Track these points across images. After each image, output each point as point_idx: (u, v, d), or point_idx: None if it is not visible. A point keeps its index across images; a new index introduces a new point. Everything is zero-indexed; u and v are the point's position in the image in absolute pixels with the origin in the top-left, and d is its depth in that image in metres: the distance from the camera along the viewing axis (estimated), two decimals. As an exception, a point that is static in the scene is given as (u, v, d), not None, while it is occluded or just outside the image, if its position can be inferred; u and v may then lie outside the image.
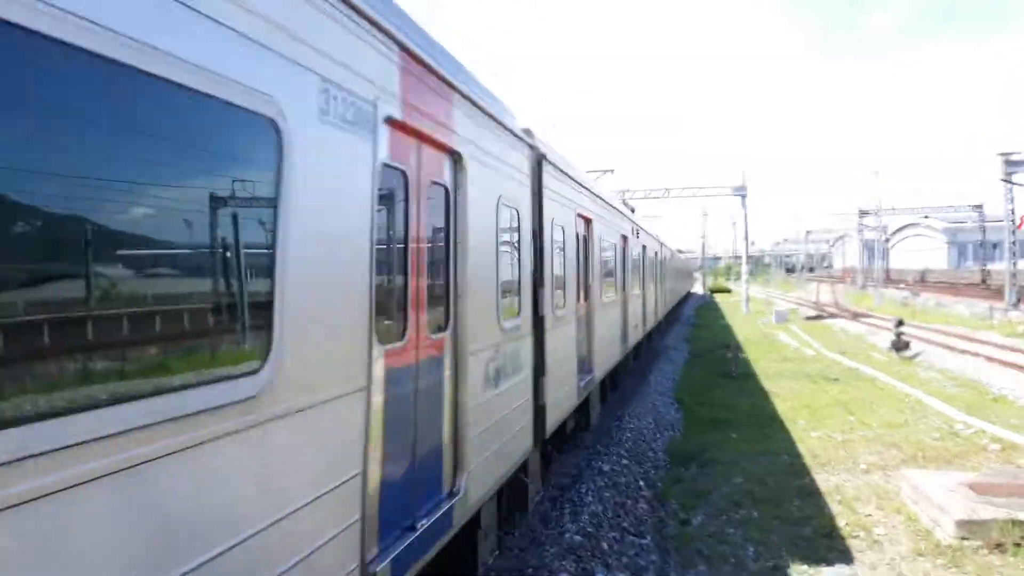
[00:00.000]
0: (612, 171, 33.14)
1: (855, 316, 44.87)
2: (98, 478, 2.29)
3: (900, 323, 26.90)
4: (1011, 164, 37.88)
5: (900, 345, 25.69)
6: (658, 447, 12.51)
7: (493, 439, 6.58)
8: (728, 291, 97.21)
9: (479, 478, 6.14)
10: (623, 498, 9.58)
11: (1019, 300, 39.41)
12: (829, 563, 7.66)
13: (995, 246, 65.73)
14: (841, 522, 8.74)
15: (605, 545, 8.04)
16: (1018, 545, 7.59)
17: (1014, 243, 40.92)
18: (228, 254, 3.14)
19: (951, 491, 8.67)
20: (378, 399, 4.32)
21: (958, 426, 13.56)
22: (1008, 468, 10.35)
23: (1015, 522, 7.78)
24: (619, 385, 18.05)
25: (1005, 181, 38.94)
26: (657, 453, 12.11)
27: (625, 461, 11.23)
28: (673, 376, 21.29)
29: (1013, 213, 40.51)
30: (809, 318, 46.02)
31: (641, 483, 10.35)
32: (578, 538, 8.05)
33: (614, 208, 16.23)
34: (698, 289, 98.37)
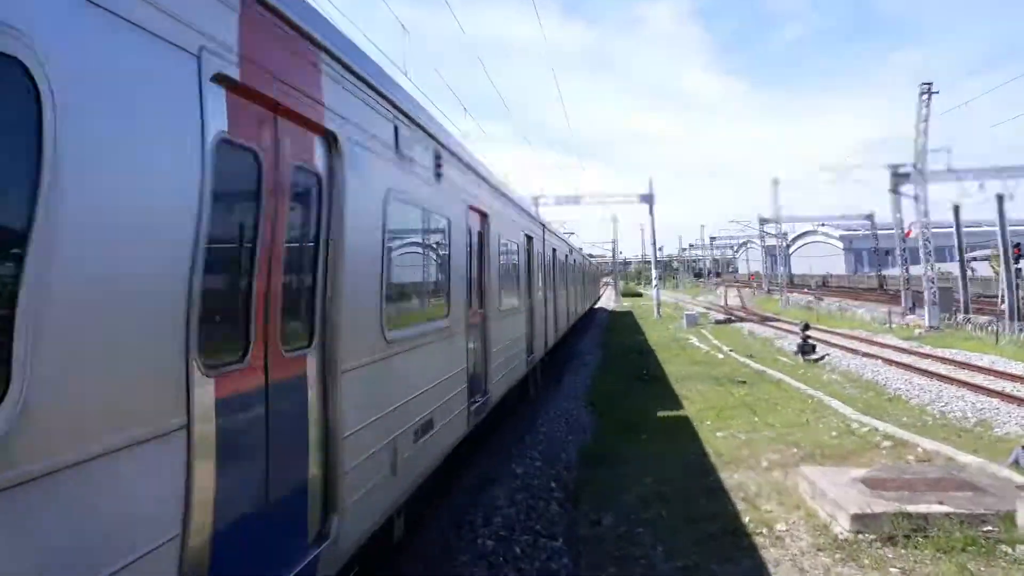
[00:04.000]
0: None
1: (763, 320, 46.33)
2: None
3: (807, 327, 27.71)
4: (898, 176, 39.77)
5: (806, 349, 26.47)
6: (571, 449, 12.65)
7: (510, 362, 12.05)
8: (640, 295, 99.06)
9: (499, 385, 10.75)
10: (535, 500, 9.66)
11: (915, 305, 41.44)
12: (735, 561, 7.89)
13: (887, 252, 69.03)
14: (745, 519, 9.01)
15: (518, 549, 8.09)
16: (907, 537, 7.97)
17: (904, 251, 43.03)
18: None
19: (846, 487, 9.06)
20: None
21: (854, 425, 14.16)
22: (898, 464, 10.88)
23: (904, 515, 8.17)
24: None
25: (893, 192, 40.87)
26: (570, 455, 12.25)
27: (539, 463, 11.33)
28: (586, 380, 21.57)
29: (902, 222, 42.58)
30: (719, 322, 47.27)
31: (553, 485, 10.45)
32: (491, 543, 8.08)
33: (565, 241, 25.99)
34: (608, 300, 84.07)
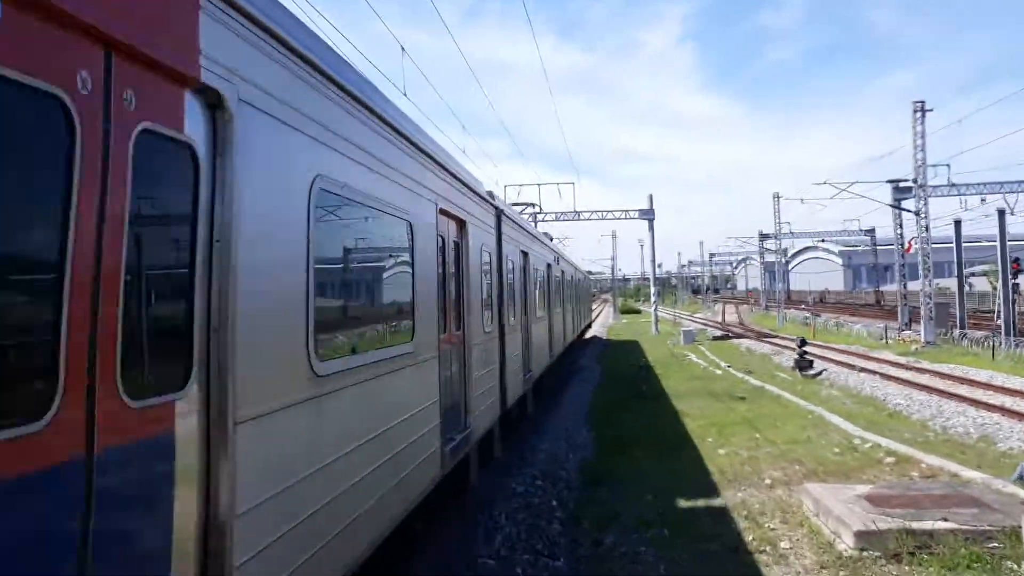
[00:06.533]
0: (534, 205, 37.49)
1: (760, 336, 46.32)
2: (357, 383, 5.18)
3: (803, 343, 27.71)
4: (899, 191, 39.87)
5: (803, 364, 26.51)
6: (571, 468, 12.55)
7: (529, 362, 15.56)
8: (638, 312, 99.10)
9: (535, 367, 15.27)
10: (537, 519, 9.58)
11: (911, 320, 41.48)
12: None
13: (886, 268, 69.17)
14: (748, 537, 8.95)
15: (519, 569, 8.01)
16: (912, 554, 7.92)
17: (903, 266, 43.14)
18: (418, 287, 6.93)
19: (850, 504, 9.00)
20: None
21: (856, 441, 14.08)
22: (902, 480, 10.81)
23: (909, 532, 8.12)
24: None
25: (894, 207, 40.99)
26: (570, 474, 12.16)
27: (539, 482, 11.25)
28: (586, 396, 21.51)
29: (902, 237, 42.69)
30: (716, 338, 47.29)
31: (555, 503, 10.37)
32: (491, 562, 8.00)
33: (577, 268, 35.90)
34: (607, 318, 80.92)
